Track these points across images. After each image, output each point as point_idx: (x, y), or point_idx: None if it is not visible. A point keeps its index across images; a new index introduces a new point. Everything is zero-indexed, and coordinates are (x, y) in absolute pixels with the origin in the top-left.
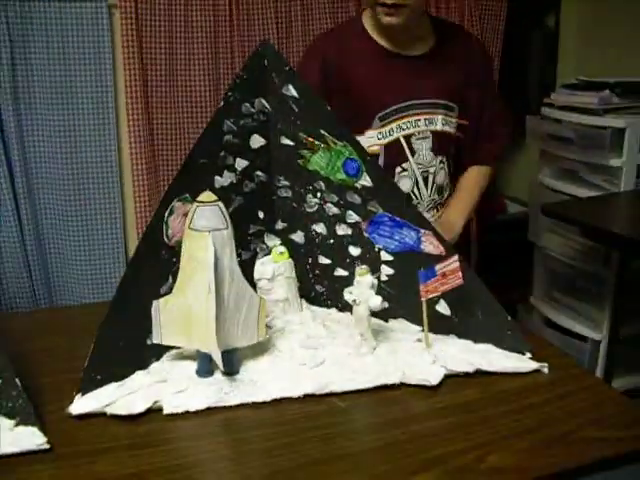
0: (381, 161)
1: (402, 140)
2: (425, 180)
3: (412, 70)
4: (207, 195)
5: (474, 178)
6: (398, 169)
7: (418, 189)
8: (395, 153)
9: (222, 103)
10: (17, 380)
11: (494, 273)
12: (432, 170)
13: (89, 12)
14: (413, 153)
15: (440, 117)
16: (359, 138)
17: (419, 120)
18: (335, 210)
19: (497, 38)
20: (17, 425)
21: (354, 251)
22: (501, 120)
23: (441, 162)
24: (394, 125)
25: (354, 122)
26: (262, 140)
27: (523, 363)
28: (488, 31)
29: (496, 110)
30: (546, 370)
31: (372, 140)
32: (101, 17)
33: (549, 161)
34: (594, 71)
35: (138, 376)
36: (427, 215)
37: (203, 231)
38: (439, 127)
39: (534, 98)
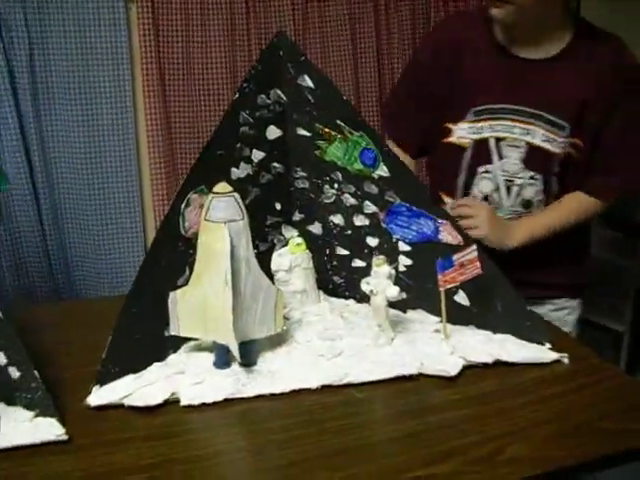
0: (468, 156)
1: (491, 141)
2: (508, 189)
3: (519, 73)
4: (222, 186)
5: (571, 202)
6: (481, 169)
7: (499, 195)
8: (482, 152)
9: (238, 94)
10: (36, 372)
11: None
12: (519, 182)
13: (106, 7)
14: (501, 157)
15: (541, 131)
16: (452, 127)
17: (514, 127)
18: (352, 201)
19: None
20: (36, 416)
21: (372, 242)
22: (629, 158)
23: (532, 178)
24: (486, 124)
25: (452, 110)
26: (278, 131)
27: (543, 354)
28: None
29: (626, 144)
30: (566, 360)
31: (463, 132)
32: (118, 12)
33: None
34: None
35: (155, 368)
36: None
37: (219, 222)
38: (537, 141)
39: None
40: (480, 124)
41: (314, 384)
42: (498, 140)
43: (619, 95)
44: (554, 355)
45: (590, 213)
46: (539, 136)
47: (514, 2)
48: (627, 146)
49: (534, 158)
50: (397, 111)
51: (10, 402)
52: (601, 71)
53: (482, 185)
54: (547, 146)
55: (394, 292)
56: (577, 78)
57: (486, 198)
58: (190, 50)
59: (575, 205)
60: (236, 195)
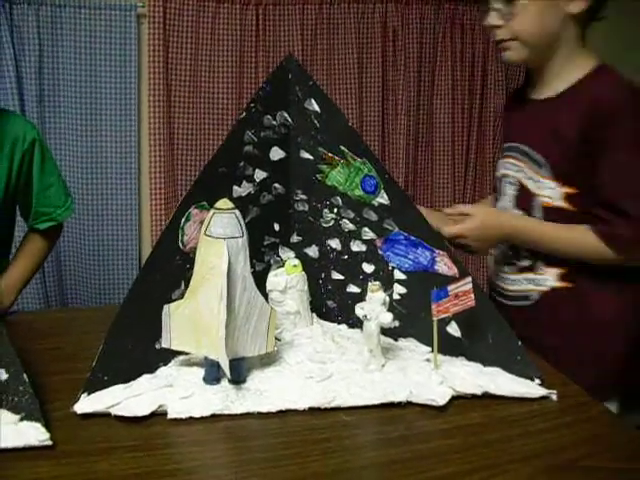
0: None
1: (499, 178)
2: None
3: (526, 113)
4: (224, 202)
5: (576, 232)
6: (498, 205)
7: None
8: (498, 189)
9: (244, 114)
10: (24, 375)
11: None
12: None
13: (118, 20)
14: (504, 195)
15: (527, 169)
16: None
17: (513, 164)
18: (351, 226)
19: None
20: (21, 420)
21: (368, 268)
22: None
23: None
24: (502, 160)
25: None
26: (282, 153)
27: (532, 389)
28: None
29: (620, 181)
30: (554, 397)
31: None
32: (129, 26)
33: None
34: None
35: (144, 379)
36: (516, 276)
37: (219, 238)
38: (524, 179)
39: None
40: (500, 161)
41: (302, 405)
42: (503, 177)
43: (598, 132)
44: (543, 391)
45: (601, 258)
46: (524, 173)
47: (518, 39)
48: (616, 187)
49: (522, 197)
50: None
51: None
52: (585, 108)
53: None
54: (529, 185)
55: (388, 318)
56: (566, 115)
57: None
58: (198, 69)
59: (579, 237)
60: (237, 212)
